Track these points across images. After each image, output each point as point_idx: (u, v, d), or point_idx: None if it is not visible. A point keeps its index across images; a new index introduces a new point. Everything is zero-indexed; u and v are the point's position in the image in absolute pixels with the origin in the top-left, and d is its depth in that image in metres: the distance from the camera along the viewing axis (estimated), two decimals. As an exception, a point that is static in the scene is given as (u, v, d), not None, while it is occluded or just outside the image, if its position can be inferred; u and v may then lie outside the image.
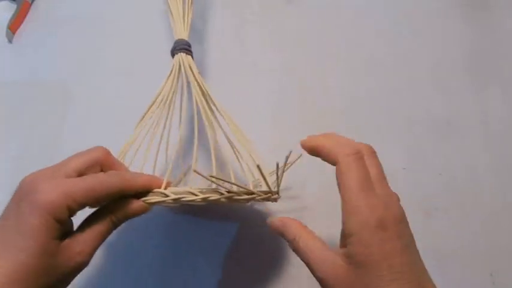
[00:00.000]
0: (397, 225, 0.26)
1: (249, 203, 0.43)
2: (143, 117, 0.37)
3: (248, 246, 0.41)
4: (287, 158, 0.32)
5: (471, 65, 0.51)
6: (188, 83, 0.38)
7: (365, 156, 0.28)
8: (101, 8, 0.55)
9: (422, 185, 0.44)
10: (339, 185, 0.28)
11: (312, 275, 0.28)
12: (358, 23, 0.53)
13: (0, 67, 0.52)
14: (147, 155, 0.36)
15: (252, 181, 0.37)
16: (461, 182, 0.45)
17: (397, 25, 0.53)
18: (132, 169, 0.34)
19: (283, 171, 0.34)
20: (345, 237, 0.26)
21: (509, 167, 0.45)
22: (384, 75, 0.50)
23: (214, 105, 0.38)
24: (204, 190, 0.30)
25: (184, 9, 0.42)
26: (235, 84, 0.49)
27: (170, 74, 0.39)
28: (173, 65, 0.39)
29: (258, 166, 0.30)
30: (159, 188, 0.30)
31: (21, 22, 0.54)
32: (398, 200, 0.28)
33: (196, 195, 0.30)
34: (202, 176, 0.29)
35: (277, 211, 0.42)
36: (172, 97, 0.38)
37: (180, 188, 0.31)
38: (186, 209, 0.43)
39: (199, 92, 0.38)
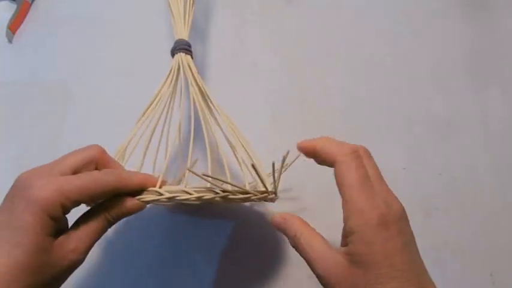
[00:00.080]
0: (398, 223, 0.26)
1: (249, 204, 0.43)
2: (142, 116, 0.37)
3: (248, 246, 0.41)
4: (284, 158, 0.31)
5: (471, 65, 0.51)
6: (187, 82, 0.38)
7: (363, 157, 0.29)
8: (101, 8, 0.55)
9: (422, 185, 0.44)
10: (338, 184, 0.28)
11: (312, 273, 0.28)
12: (358, 23, 0.53)
13: (0, 67, 0.52)
14: (146, 154, 0.36)
15: (251, 181, 0.37)
16: (461, 182, 0.45)
17: (397, 25, 0.53)
18: (131, 168, 0.34)
19: (281, 172, 0.34)
20: (347, 235, 0.26)
21: (509, 167, 0.45)
22: (384, 75, 0.50)
23: (213, 104, 0.38)
24: (199, 189, 0.30)
25: (185, 9, 0.42)
26: (235, 84, 0.49)
27: (169, 74, 0.39)
28: (172, 64, 0.39)
29: (252, 165, 0.30)
30: (154, 186, 0.30)
31: (21, 22, 0.54)
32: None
33: (190, 194, 0.30)
34: (196, 174, 0.29)
35: (277, 212, 0.42)
36: (171, 97, 0.38)
37: (175, 187, 0.31)
38: (186, 209, 0.43)
39: (198, 92, 0.38)
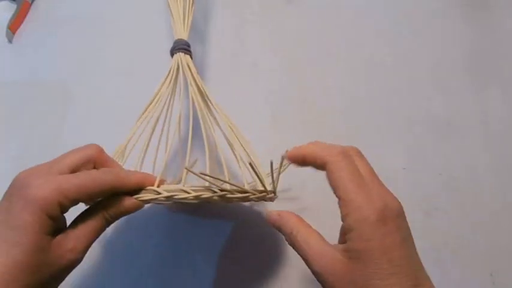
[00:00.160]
0: (396, 219, 0.26)
1: (248, 203, 0.43)
2: (141, 115, 0.37)
3: (248, 246, 0.41)
4: (283, 157, 0.31)
5: (471, 65, 0.51)
6: (186, 82, 0.38)
7: (354, 156, 0.29)
8: (101, 8, 0.55)
9: (422, 185, 0.44)
10: (332, 185, 0.28)
11: (310, 271, 0.28)
12: (358, 23, 0.53)
13: (0, 67, 0.52)
14: (145, 153, 0.36)
15: (250, 181, 0.37)
16: (461, 182, 0.45)
17: (397, 25, 0.53)
18: (130, 167, 0.34)
19: (280, 171, 0.33)
20: (345, 232, 0.26)
21: (509, 167, 0.45)
22: (384, 75, 0.50)
23: (212, 104, 0.38)
24: (197, 188, 0.30)
25: (185, 9, 0.42)
26: (235, 84, 0.49)
27: (168, 74, 0.39)
28: (172, 64, 0.39)
29: (250, 164, 0.30)
30: (153, 185, 0.30)
31: (21, 22, 0.54)
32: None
33: (188, 193, 0.30)
34: (194, 174, 0.29)
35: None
36: (170, 96, 0.38)
37: (173, 186, 0.31)
38: (185, 209, 0.43)
39: (197, 92, 0.38)
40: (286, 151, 0.31)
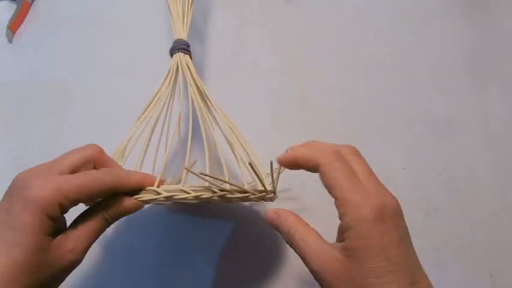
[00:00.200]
0: (394, 217, 0.26)
1: (248, 203, 0.43)
2: (141, 115, 0.37)
3: (248, 246, 0.41)
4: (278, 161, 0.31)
5: (471, 65, 0.51)
6: (186, 82, 0.38)
7: (348, 156, 0.28)
8: (101, 8, 0.55)
9: (422, 185, 0.44)
10: (326, 186, 0.27)
11: (308, 270, 0.28)
12: (358, 23, 0.53)
13: (0, 67, 0.52)
14: (145, 154, 0.36)
15: (250, 181, 0.37)
16: (461, 182, 0.44)
17: (397, 25, 0.53)
18: (130, 167, 0.34)
19: (280, 171, 0.33)
20: (343, 231, 0.26)
21: (509, 167, 0.45)
22: (384, 75, 0.50)
23: (211, 104, 0.38)
24: (197, 188, 0.30)
25: (184, 9, 0.42)
26: (235, 84, 0.49)
27: (168, 74, 0.39)
28: (171, 64, 0.39)
29: (250, 164, 0.30)
30: (152, 186, 0.30)
31: (21, 22, 0.54)
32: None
33: (188, 193, 0.30)
34: (194, 174, 0.29)
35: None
36: (170, 96, 0.38)
37: (173, 186, 0.31)
38: (185, 209, 0.43)
39: (196, 92, 0.38)
40: (286, 151, 0.31)
